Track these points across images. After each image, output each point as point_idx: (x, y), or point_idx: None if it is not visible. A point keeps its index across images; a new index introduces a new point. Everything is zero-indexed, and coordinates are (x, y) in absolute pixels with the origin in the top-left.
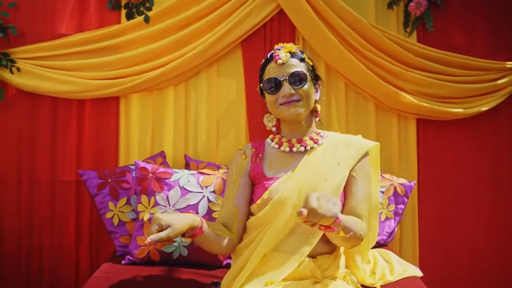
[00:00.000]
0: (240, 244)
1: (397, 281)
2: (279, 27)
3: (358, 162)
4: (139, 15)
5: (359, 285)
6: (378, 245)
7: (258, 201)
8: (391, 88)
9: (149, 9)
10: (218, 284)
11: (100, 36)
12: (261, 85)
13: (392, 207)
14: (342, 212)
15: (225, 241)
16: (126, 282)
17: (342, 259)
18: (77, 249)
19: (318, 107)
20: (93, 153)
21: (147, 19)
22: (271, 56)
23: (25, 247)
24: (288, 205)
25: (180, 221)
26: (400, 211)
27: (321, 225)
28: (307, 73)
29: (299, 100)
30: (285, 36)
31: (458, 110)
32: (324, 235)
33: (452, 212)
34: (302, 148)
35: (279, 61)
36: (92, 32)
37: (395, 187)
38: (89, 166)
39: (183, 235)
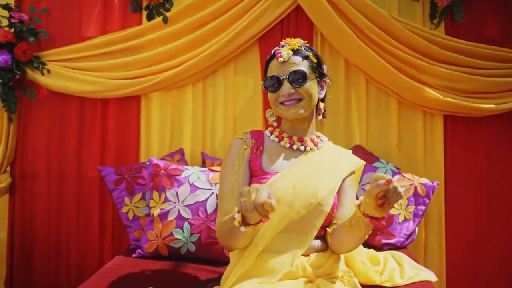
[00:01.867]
0: None
1: (406, 285)
2: (296, 23)
3: (349, 175)
4: (159, 16)
5: (359, 286)
6: (395, 247)
7: None
8: (413, 83)
9: (168, 10)
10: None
11: (122, 37)
12: (262, 82)
13: (412, 208)
14: (334, 218)
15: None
16: (132, 274)
17: (339, 257)
18: (101, 241)
19: (322, 105)
20: (116, 150)
21: (165, 20)
22: (274, 53)
23: (55, 237)
24: (283, 202)
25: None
26: (421, 213)
27: (373, 218)
28: (309, 72)
29: (300, 100)
30: (303, 32)
31: (489, 106)
32: (318, 233)
33: (483, 214)
34: (302, 147)
35: (280, 59)
36: (115, 33)
37: (415, 187)
38: (112, 163)
39: (247, 224)
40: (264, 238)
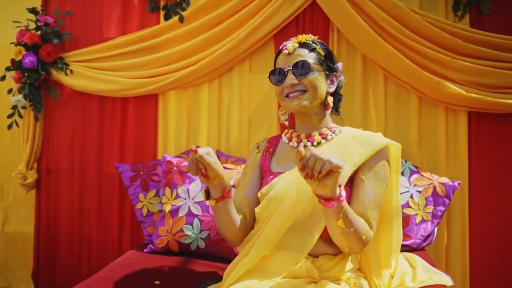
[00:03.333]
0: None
1: None
2: (312, 19)
3: (368, 161)
4: (175, 15)
5: None
6: (411, 249)
7: (258, 194)
8: (434, 78)
9: (185, 9)
10: None
11: (141, 37)
12: (268, 76)
13: (430, 208)
14: None
15: (239, 222)
16: (141, 269)
17: (351, 261)
18: (120, 235)
19: (330, 99)
20: (135, 147)
21: (181, 19)
22: (281, 47)
23: (77, 230)
24: (285, 202)
25: (221, 167)
26: (440, 213)
27: (321, 197)
28: (314, 63)
29: (305, 91)
30: (318, 28)
31: None
32: (326, 235)
33: (510, 216)
34: (309, 144)
35: (285, 51)
36: (133, 34)
37: (434, 187)
38: (131, 160)
39: (208, 197)
40: (268, 236)
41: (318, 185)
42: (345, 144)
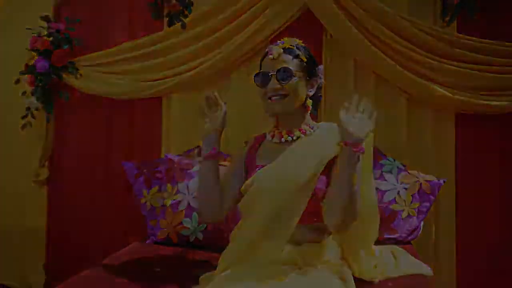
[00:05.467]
0: (233, 230)
1: (398, 277)
2: (306, 25)
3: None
4: (178, 22)
5: (348, 277)
6: (396, 242)
7: (242, 187)
8: (421, 81)
9: (187, 16)
10: None
11: (146, 43)
12: (253, 78)
13: (416, 204)
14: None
15: (218, 192)
16: (142, 257)
17: (333, 249)
18: (126, 228)
19: (309, 102)
20: (140, 147)
21: (183, 26)
22: (267, 51)
23: (86, 225)
24: (267, 191)
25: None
26: (425, 209)
27: (351, 142)
28: (297, 70)
29: (286, 96)
30: (313, 33)
31: (502, 103)
32: (310, 221)
33: (498, 215)
34: (290, 138)
35: (270, 56)
36: (138, 40)
37: (420, 184)
38: (136, 158)
39: (200, 153)
40: (253, 225)
41: (357, 125)
42: (323, 137)
